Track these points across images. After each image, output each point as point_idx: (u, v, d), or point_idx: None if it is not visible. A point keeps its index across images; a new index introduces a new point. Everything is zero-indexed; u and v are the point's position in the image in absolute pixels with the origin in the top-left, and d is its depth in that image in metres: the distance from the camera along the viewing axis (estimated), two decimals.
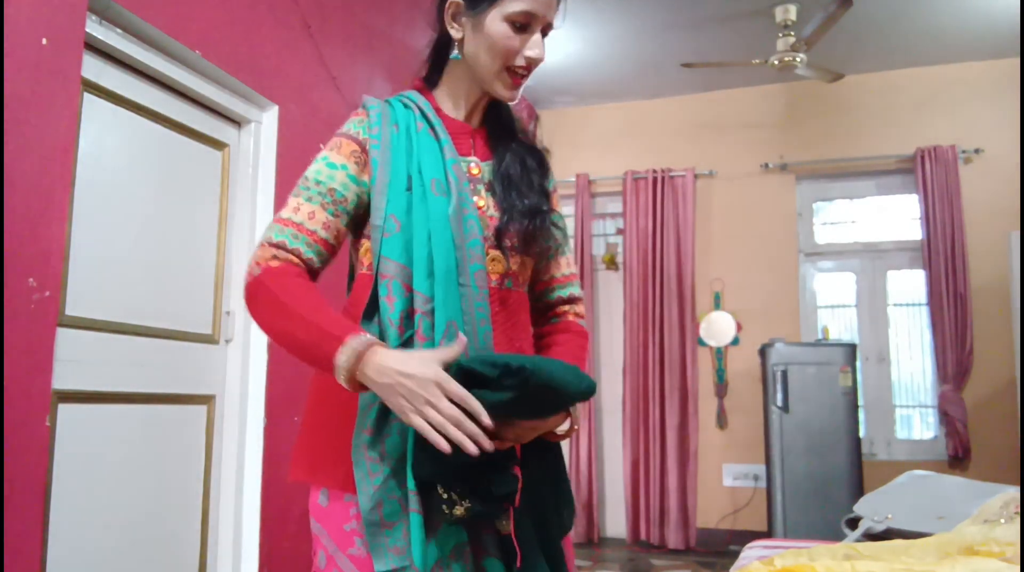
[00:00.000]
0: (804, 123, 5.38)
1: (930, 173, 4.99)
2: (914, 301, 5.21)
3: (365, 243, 1.21)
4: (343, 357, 1.02)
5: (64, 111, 2.09)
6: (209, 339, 2.78)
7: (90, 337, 2.28)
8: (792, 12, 4.32)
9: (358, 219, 1.22)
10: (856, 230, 5.42)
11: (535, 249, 1.26)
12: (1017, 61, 4.75)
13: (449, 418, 0.99)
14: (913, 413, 5.21)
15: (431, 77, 1.33)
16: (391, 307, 1.12)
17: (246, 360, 2.87)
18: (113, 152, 2.42)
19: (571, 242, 1.37)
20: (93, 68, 2.31)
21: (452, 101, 1.30)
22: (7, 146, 1.91)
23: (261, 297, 1.12)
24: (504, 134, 1.31)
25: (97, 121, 2.35)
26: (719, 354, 5.33)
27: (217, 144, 2.87)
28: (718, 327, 5.33)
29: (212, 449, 2.77)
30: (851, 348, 4.52)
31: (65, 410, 2.17)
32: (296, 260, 1.14)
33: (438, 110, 1.29)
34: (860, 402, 4.58)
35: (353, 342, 1.02)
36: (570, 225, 5.37)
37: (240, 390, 2.84)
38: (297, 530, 2.97)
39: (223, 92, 2.80)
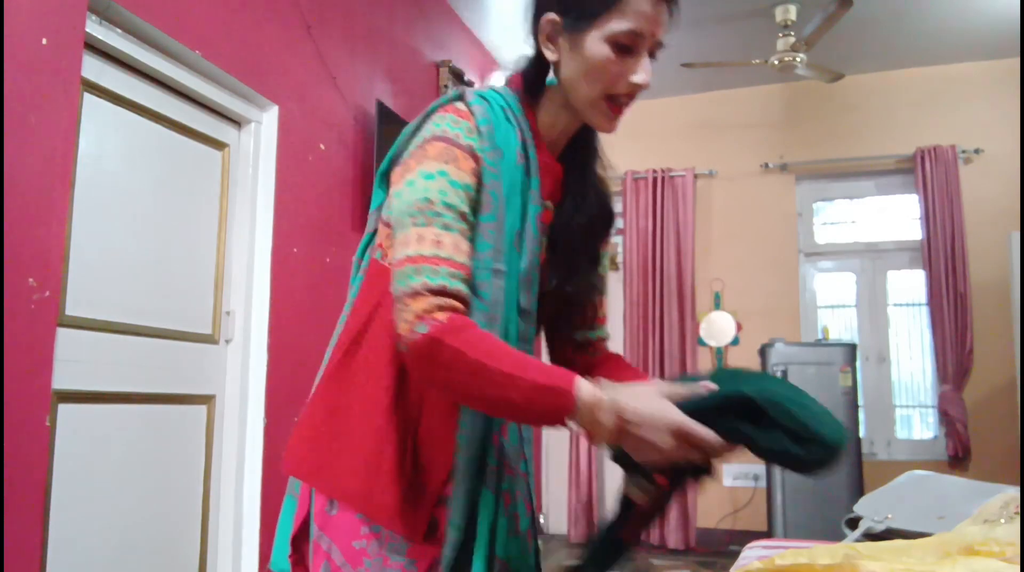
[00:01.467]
0: (804, 123, 5.38)
1: (930, 173, 4.99)
2: (914, 301, 5.21)
3: (385, 230, 1.08)
4: (582, 414, 0.91)
5: (64, 111, 2.09)
6: (209, 339, 2.78)
7: (90, 337, 2.28)
8: (792, 12, 4.32)
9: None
10: (856, 230, 5.42)
11: (560, 324, 1.18)
12: (1017, 61, 4.75)
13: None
14: (913, 413, 5.21)
15: (532, 92, 1.12)
16: None
17: (246, 360, 2.87)
18: (113, 152, 2.42)
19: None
20: (93, 68, 2.31)
21: (548, 126, 1.12)
22: (7, 146, 1.91)
23: (445, 356, 0.92)
24: (582, 179, 1.14)
25: (97, 121, 2.35)
26: (719, 354, 5.33)
27: (217, 144, 2.87)
28: (718, 327, 5.33)
29: (212, 449, 2.77)
30: (851, 348, 4.52)
31: (65, 410, 2.17)
32: (460, 306, 0.96)
33: (536, 135, 1.10)
34: (860, 402, 4.58)
35: (582, 394, 0.90)
36: None
37: (240, 390, 2.84)
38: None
39: (223, 92, 2.80)
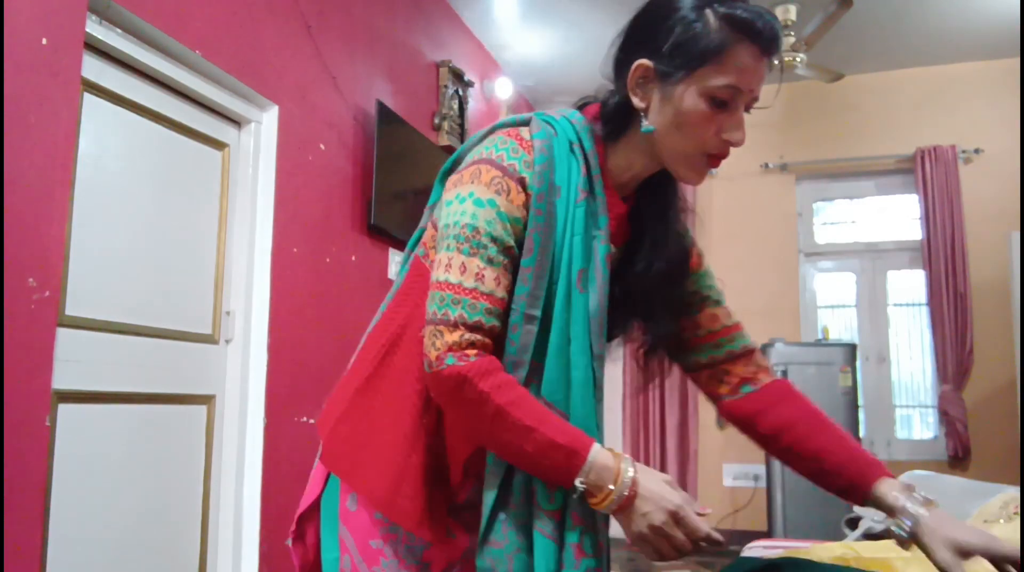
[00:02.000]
0: (804, 123, 5.38)
1: (930, 173, 4.99)
2: (914, 301, 5.21)
3: None
4: (591, 478, 0.93)
5: (64, 111, 2.09)
6: (209, 339, 2.78)
7: (90, 337, 2.28)
8: (792, 12, 4.32)
9: None
10: (856, 230, 5.42)
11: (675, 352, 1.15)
12: (1017, 61, 4.75)
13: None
14: (913, 413, 5.21)
15: (612, 130, 1.07)
16: None
17: (246, 360, 2.87)
18: (113, 152, 2.42)
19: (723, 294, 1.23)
20: (93, 68, 2.31)
21: (618, 165, 1.07)
22: (7, 146, 1.91)
23: (469, 395, 0.94)
24: (660, 218, 1.10)
25: (97, 121, 2.35)
26: None
27: (217, 144, 2.87)
28: None
29: (212, 449, 2.77)
30: (851, 348, 4.52)
31: (65, 410, 2.17)
32: (491, 343, 0.97)
33: (605, 173, 1.06)
34: (860, 402, 4.58)
35: (596, 461, 0.92)
36: None
37: (240, 390, 2.84)
38: None
39: (223, 92, 2.80)
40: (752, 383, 1.15)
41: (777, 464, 4.44)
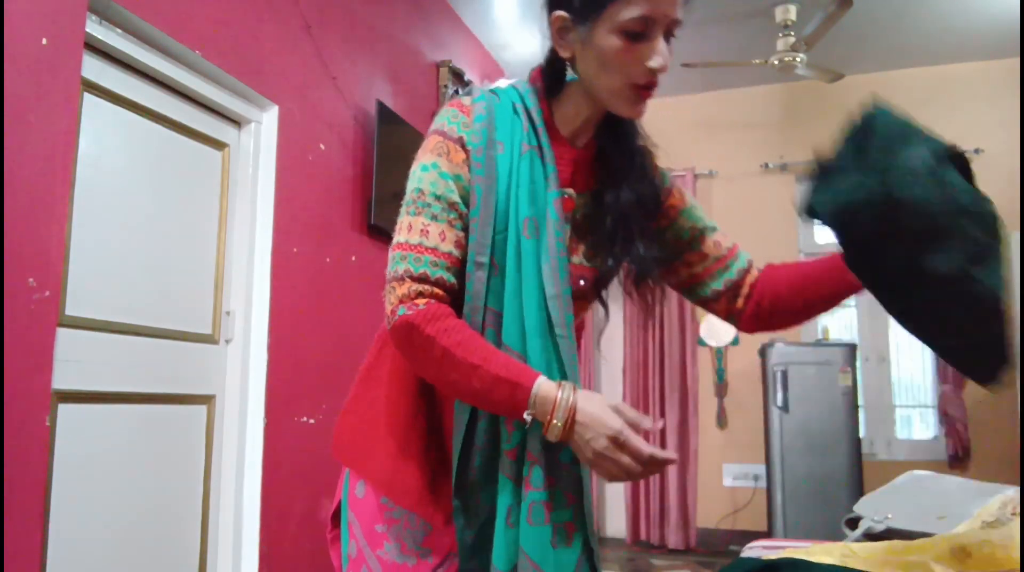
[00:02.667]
0: (804, 123, 5.38)
1: None
2: None
3: None
4: (538, 410, 0.96)
5: (64, 111, 2.10)
6: (209, 339, 2.79)
7: (90, 337, 2.28)
8: (792, 12, 4.32)
9: None
10: None
11: (604, 300, 1.15)
12: (1017, 61, 4.75)
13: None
14: (913, 413, 5.22)
15: (551, 85, 1.13)
16: None
17: (246, 360, 2.87)
18: (113, 152, 2.42)
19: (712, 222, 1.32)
20: (93, 68, 2.32)
21: (568, 115, 1.12)
22: (7, 146, 1.91)
23: (417, 341, 1.00)
24: (623, 161, 1.14)
25: (97, 121, 2.35)
26: (719, 354, 5.33)
27: (217, 144, 2.87)
28: (718, 327, 5.33)
29: (212, 449, 2.77)
30: (851, 348, 4.52)
31: (65, 410, 2.17)
32: (441, 293, 1.03)
33: (550, 125, 1.11)
34: (860, 402, 4.58)
35: (538, 392, 0.96)
36: None
37: (240, 390, 2.85)
38: (297, 530, 2.97)
39: (223, 92, 2.81)
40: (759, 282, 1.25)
41: (777, 464, 4.44)
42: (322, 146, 3.28)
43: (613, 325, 5.52)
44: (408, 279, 1.01)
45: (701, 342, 5.33)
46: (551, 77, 1.12)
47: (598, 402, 0.97)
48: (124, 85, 2.45)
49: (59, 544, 2.12)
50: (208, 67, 2.66)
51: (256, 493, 2.82)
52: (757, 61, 4.50)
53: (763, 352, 4.67)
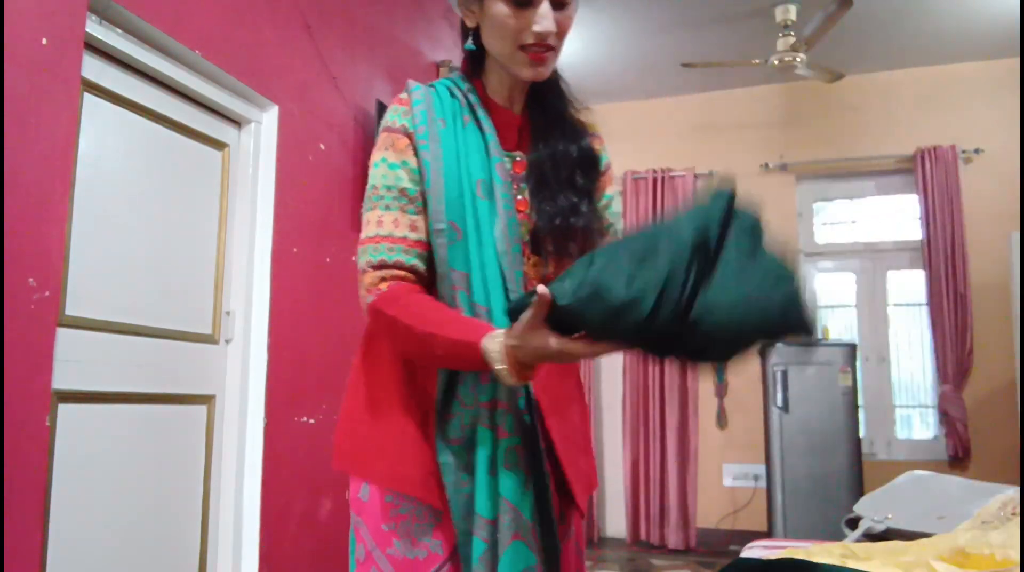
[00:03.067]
0: (804, 123, 5.38)
1: (930, 173, 4.99)
2: (914, 301, 5.21)
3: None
4: (498, 366, 1.00)
5: (64, 111, 2.10)
6: (209, 339, 2.79)
7: (90, 337, 2.28)
8: (792, 12, 4.32)
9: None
10: (856, 230, 5.42)
11: (570, 252, 1.18)
12: (1017, 61, 4.75)
13: None
14: (913, 413, 5.21)
15: (476, 62, 1.23)
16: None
17: (246, 360, 2.87)
18: (113, 152, 2.42)
19: (622, 222, 1.32)
20: (93, 68, 2.32)
21: (495, 86, 1.21)
22: (7, 146, 1.91)
23: (383, 324, 1.10)
24: (547, 122, 1.22)
25: (97, 121, 2.35)
26: None
27: (217, 144, 2.87)
28: None
29: (212, 449, 2.77)
30: (851, 348, 4.52)
31: (65, 410, 2.17)
32: (403, 273, 1.11)
33: (485, 99, 1.21)
34: (860, 402, 4.58)
35: (490, 345, 1.00)
36: None
37: (240, 390, 2.84)
38: (297, 530, 2.98)
39: (223, 92, 2.81)
40: None
41: (777, 464, 4.44)
42: (322, 146, 3.28)
43: None
44: (369, 269, 1.11)
45: None
46: (472, 54, 1.21)
47: (529, 332, 0.99)
48: (124, 85, 2.45)
49: (59, 544, 2.12)
50: (208, 67, 2.66)
51: (256, 493, 2.82)
52: (757, 61, 4.50)
53: (763, 352, 4.66)
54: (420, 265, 1.12)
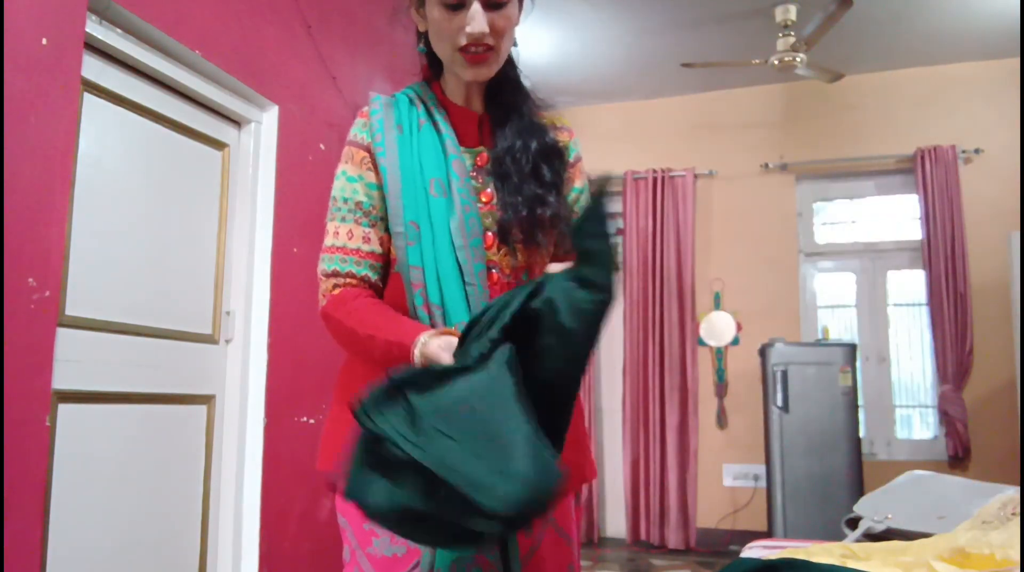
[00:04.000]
0: (804, 123, 5.38)
1: (930, 173, 4.99)
2: (914, 301, 5.21)
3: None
4: (418, 361, 1.03)
5: (64, 111, 2.10)
6: (209, 339, 2.79)
7: (90, 337, 2.28)
8: (792, 12, 4.32)
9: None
10: (856, 230, 5.42)
11: (539, 241, 1.18)
12: (1017, 61, 4.75)
13: None
14: (913, 413, 5.21)
15: (434, 66, 1.28)
16: (429, 317, 1.13)
17: (246, 360, 2.87)
18: (113, 152, 2.42)
19: None
20: (93, 68, 2.32)
21: (452, 88, 1.25)
22: (7, 146, 1.91)
23: (332, 327, 1.17)
24: (506, 117, 1.24)
25: (97, 121, 2.35)
26: (719, 354, 5.33)
27: (217, 144, 2.87)
28: (718, 327, 5.33)
29: (212, 449, 2.77)
30: (851, 348, 4.52)
31: (65, 410, 2.17)
32: (354, 281, 1.18)
33: (444, 100, 1.25)
34: (860, 402, 4.58)
35: (416, 351, 1.03)
36: None
37: (240, 390, 2.85)
38: (297, 530, 2.97)
39: (223, 92, 2.81)
40: None
41: (777, 464, 4.44)
42: (322, 146, 3.28)
43: (613, 326, 5.52)
44: (323, 277, 1.20)
45: (701, 342, 5.33)
46: (431, 59, 1.26)
47: (438, 345, 1.01)
48: (124, 85, 2.45)
49: (59, 544, 2.13)
50: (208, 67, 2.66)
51: (256, 493, 2.82)
52: (757, 61, 4.50)
53: (763, 352, 4.67)
54: (371, 275, 1.18)
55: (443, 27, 1.15)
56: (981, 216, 4.91)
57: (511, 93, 1.26)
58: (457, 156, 1.19)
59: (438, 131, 1.20)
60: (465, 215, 1.15)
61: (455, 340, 1.01)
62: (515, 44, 1.24)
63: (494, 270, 1.17)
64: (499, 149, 1.21)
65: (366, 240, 1.18)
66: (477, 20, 1.13)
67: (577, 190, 1.28)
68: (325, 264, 1.20)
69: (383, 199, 1.18)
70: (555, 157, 1.24)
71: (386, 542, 1.12)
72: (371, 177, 1.18)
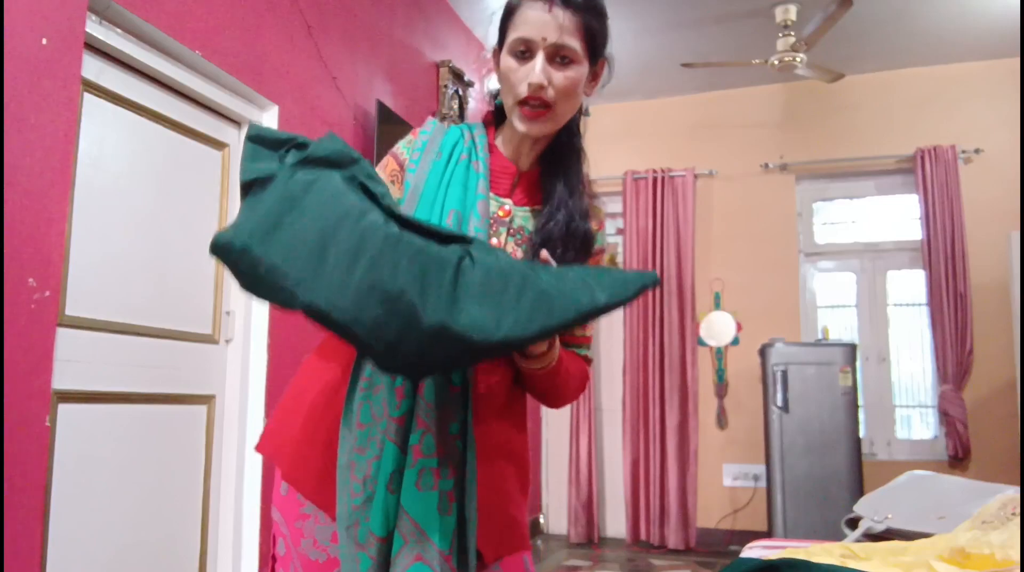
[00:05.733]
0: (804, 123, 5.38)
1: (930, 173, 4.99)
2: (914, 301, 5.21)
3: None
4: None
5: (64, 111, 2.10)
6: (209, 339, 2.79)
7: (90, 337, 2.28)
8: (792, 12, 4.32)
9: None
10: (856, 230, 5.42)
11: None
12: (1017, 61, 4.75)
13: None
14: (913, 413, 5.21)
15: (499, 114, 1.30)
16: None
17: (246, 360, 2.87)
18: (113, 152, 2.42)
19: None
20: (93, 68, 2.32)
21: (506, 138, 1.27)
22: (7, 146, 1.91)
23: None
24: (557, 182, 1.24)
25: (97, 121, 2.35)
26: (719, 354, 5.33)
27: (217, 144, 2.87)
28: (718, 327, 5.33)
29: (212, 449, 2.77)
30: (851, 348, 4.52)
31: (65, 410, 2.17)
32: None
33: (493, 146, 1.27)
34: (860, 402, 4.58)
35: None
36: None
37: (240, 390, 2.85)
38: None
39: (223, 92, 2.81)
40: None
41: (777, 464, 4.44)
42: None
43: (613, 326, 5.52)
44: None
45: (701, 342, 5.33)
46: (498, 108, 1.28)
47: None
48: (124, 85, 2.45)
49: (59, 544, 2.13)
50: (208, 67, 2.66)
51: (256, 493, 2.82)
52: (757, 61, 4.50)
53: (763, 352, 4.67)
54: None
55: (509, 76, 1.17)
56: (981, 216, 4.92)
57: (566, 162, 1.26)
58: (484, 197, 1.20)
59: (476, 170, 1.22)
60: None
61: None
62: (585, 113, 1.26)
63: None
64: (547, 218, 1.20)
65: None
66: (538, 70, 1.14)
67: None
68: None
69: None
70: (585, 247, 1.23)
71: (310, 544, 1.14)
72: (393, 190, 1.20)
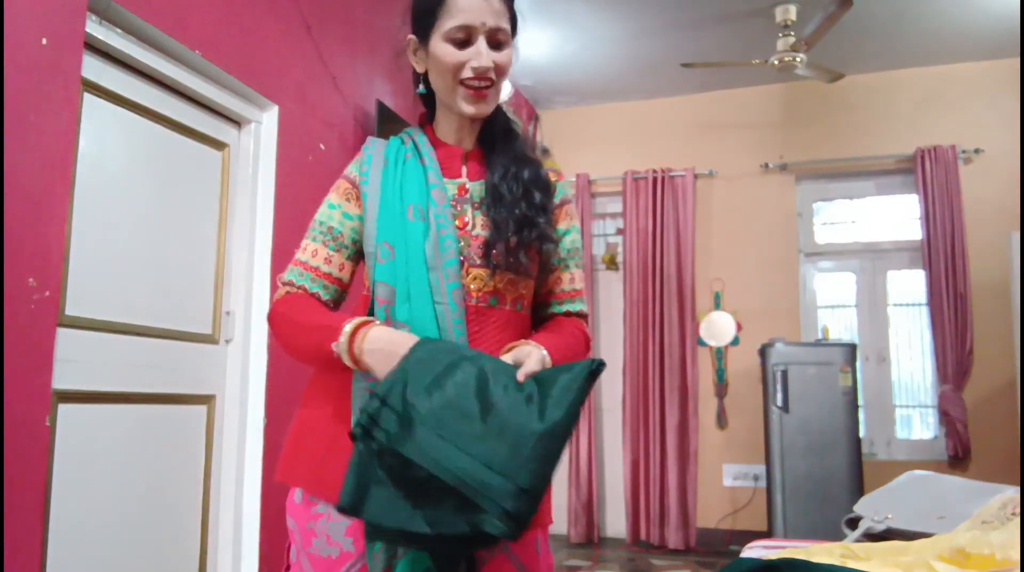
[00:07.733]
0: (804, 123, 5.38)
1: (930, 173, 4.99)
2: (914, 301, 5.21)
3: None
4: (341, 340, 1.09)
5: (64, 111, 2.10)
6: (209, 339, 2.79)
7: (90, 337, 2.28)
8: (792, 12, 4.32)
9: (361, 250, 1.29)
10: (856, 230, 5.42)
11: (521, 262, 1.23)
12: (1017, 61, 4.75)
13: None
14: (913, 413, 5.21)
15: (428, 110, 1.36)
16: None
17: (246, 360, 2.87)
18: (113, 152, 2.42)
19: (580, 258, 1.39)
20: (93, 68, 2.32)
21: (444, 128, 1.33)
22: (7, 146, 1.91)
23: (275, 322, 1.25)
24: (501, 151, 1.31)
25: (97, 121, 2.35)
26: (719, 354, 5.33)
27: (217, 144, 2.87)
28: (718, 327, 5.33)
29: (212, 449, 2.77)
30: (851, 348, 4.52)
31: (65, 410, 2.17)
32: (303, 293, 1.24)
33: (434, 140, 1.33)
34: (860, 402, 4.58)
35: (346, 326, 1.10)
36: None
37: (240, 390, 2.85)
38: None
39: (223, 92, 2.81)
40: None
41: (777, 464, 4.44)
42: (322, 146, 3.28)
43: (613, 326, 5.52)
44: (281, 284, 1.26)
45: (701, 342, 5.33)
46: (424, 99, 1.34)
47: (398, 334, 1.11)
48: (124, 85, 2.45)
49: (59, 544, 2.13)
50: (208, 67, 2.66)
51: (256, 493, 2.82)
52: (757, 61, 4.50)
53: (763, 352, 4.67)
54: (322, 294, 1.25)
55: (449, 62, 1.21)
56: (981, 216, 4.92)
57: (503, 131, 1.33)
58: (438, 186, 1.26)
59: (423, 164, 1.28)
60: (440, 238, 1.21)
61: (406, 335, 1.10)
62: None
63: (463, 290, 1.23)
64: (494, 176, 1.27)
65: (327, 261, 1.25)
66: (484, 55, 1.20)
67: (561, 231, 1.33)
68: (285, 274, 1.27)
69: (357, 230, 1.26)
70: (545, 187, 1.30)
71: (323, 542, 1.18)
72: (349, 207, 1.27)
